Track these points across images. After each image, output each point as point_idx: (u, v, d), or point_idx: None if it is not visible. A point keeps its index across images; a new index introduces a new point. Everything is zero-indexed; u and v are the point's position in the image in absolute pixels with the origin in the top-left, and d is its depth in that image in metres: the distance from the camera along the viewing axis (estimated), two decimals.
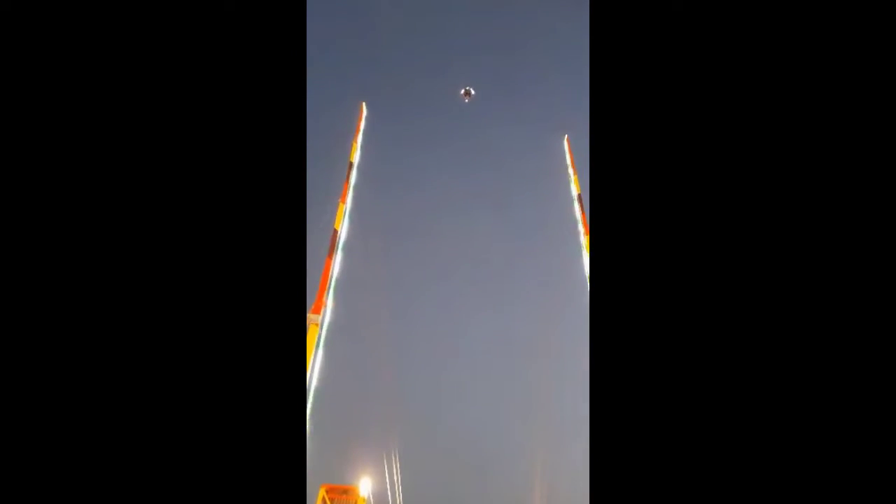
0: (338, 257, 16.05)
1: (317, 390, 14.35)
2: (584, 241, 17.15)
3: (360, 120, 19.66)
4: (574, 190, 18.32)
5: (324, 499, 13.97)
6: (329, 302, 15.23)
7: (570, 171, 19.03)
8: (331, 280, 15.46)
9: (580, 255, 17.18)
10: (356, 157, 18.61)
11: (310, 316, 14.60)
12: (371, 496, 14.55)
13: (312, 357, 14.18)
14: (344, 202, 17.08)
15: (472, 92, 24.07)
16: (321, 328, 14.61)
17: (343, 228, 16.62)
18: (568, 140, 20.12)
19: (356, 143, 18.95)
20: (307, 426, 13.65)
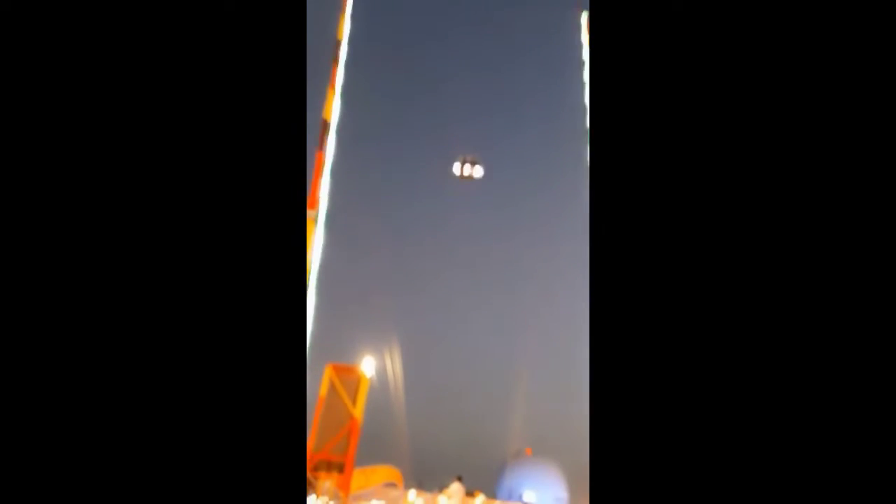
0: (330, 148, 15.74)
1: (318, 278, 15.06)
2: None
3: None
4: (586, 76, 15.92)
5: (330, 377, 15.34)
6: (324, 196, 15.30)
7: (585, 53, 16.15)
8: (323, 173, 15.34)
9: (585, 143, 15.66)
10: (345, 34, 17.21)
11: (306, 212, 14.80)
12: (374, 374, 15.96)
13: (311, 252, 14.64)
14: (333, 88, 16.25)
15: (477, 173, 15.13)
16: (317, 223, 14.88)
17: (334, 117, 16.05)
18: (585, 18, 16.99)
19: (344, 16, 17.37)
20: (310, 310, 14.53)
